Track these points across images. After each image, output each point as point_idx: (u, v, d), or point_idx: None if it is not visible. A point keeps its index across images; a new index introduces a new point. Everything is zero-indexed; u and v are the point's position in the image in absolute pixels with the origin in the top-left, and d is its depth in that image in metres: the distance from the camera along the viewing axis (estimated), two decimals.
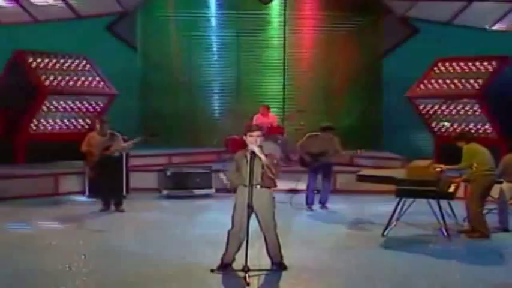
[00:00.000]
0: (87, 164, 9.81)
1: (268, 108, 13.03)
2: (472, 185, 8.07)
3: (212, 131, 14.11)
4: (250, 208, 5.86)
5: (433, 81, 12.73)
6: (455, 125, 12.32)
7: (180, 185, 11.03)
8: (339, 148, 9.68)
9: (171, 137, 13.85)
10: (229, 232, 6.16)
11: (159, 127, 14.01)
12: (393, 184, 7.88)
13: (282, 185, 9.91)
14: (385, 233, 7.91)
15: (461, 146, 8.03)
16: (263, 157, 5.88)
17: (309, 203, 9.84)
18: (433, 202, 7.90)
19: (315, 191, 9.97)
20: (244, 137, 6.08)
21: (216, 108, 14.50)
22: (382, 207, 9.09)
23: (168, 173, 11.11)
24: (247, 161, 5.92)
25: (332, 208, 9.93)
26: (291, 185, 10.48)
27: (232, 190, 6.29)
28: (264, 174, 5.99)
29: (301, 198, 10.00)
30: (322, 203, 9.90)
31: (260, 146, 5.95)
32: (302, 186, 10.07)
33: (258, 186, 5.98)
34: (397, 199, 7.93)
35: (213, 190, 11.08)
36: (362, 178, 8.70)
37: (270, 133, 12.09)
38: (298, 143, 10.00)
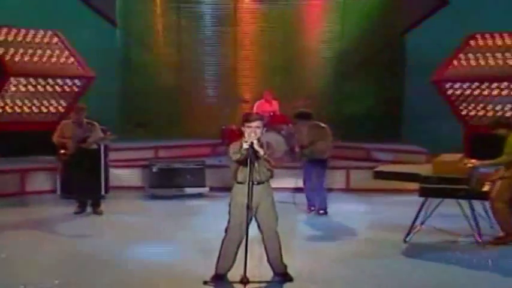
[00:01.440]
0: (59, 158, 9.84)
1: (272, 94, 13.07)
2: (504, 182, 7.91)
3: (205, 120, 14.12)
4: (250, 210, 5.89)
5: (465, 61, 12.74)
6: (490, 112, 12.35)
7: (168, 182, 11.06)
8: (329, 141, 9.64)
9: (158, 127, 13.89)
10: (226, 229, 6.17)
11: (143, 115, 14.08)
12: (417, 182, 7.91)
13: (283, 183, 10.01)
14: (407, 239, 7.95)
15: (504, 134, 7.87)
16: (261, 151, 5.92)
17: (310, 204, 9.79)
18: (464, 203, 7.94)
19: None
20: (242, 128, 6.11)
21: (210, 93, 14.50)
22: (404, 208, 9.13)
23: (154, 169, 11.15)
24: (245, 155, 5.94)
25: (344, 209, 9.97)
26: (292, 182, 10.44)
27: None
28: (264, 168, 6.07)
29: (305, 197, 9.95)
30: (323, 209, 9.66)
31: (258, 139, 5.97)
32: (300, 183, 10.06)
33: (260, 185, 6.02)
34: (422, 199, 7.96)
35: (206, 189, 11.12)
36: (380, 175, 8.70)
37: (273, 122, 12.13)
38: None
